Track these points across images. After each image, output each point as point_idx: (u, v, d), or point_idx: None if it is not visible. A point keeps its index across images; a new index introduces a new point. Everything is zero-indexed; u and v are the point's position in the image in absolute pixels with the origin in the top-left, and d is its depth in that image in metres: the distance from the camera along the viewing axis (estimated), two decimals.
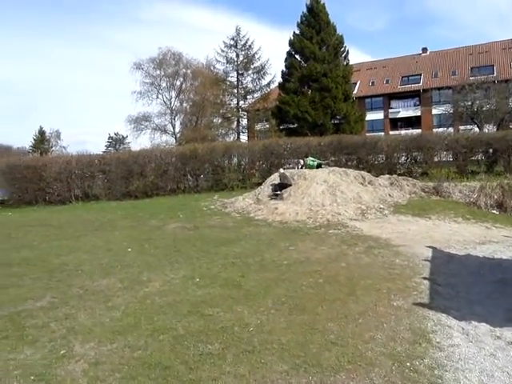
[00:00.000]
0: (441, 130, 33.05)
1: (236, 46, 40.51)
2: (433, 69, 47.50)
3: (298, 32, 32.99)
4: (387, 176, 17.16)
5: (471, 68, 44.61)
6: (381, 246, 9.31)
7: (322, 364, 4.09)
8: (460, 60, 47.03)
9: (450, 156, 20.96)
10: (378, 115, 47.22)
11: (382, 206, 13.72)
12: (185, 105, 41.31)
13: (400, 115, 47.85)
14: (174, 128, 40.34)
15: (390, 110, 48.17)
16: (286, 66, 33.54)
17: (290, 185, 15.25)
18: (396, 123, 47.50)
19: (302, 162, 18.55)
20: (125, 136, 69.64)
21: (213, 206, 15.60)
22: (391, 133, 42.91)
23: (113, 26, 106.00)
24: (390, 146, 20.46)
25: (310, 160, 17.32)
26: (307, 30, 32.22)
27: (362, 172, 16.55)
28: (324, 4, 32.68)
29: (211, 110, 40.97)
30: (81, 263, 8.41)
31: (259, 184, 19.97)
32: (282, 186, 15.38)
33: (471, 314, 5.47)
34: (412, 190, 16.22)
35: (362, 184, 15.64)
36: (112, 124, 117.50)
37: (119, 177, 19.90)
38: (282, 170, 16.06)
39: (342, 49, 33.05)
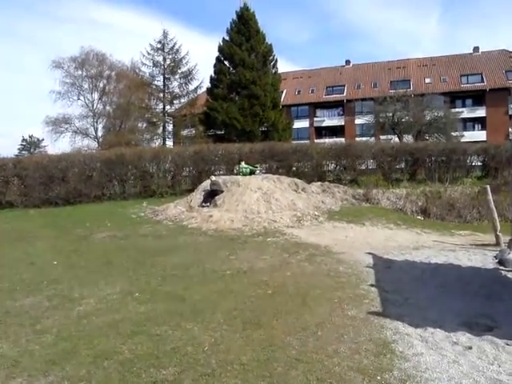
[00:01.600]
0: (364, 139, 34.47)
1: (163, 50, 39.53)
2: (355, 80, 49.67)
3: (227, 38, 32.96)
4: (319, 183, 17.40)
5: (390, 82, 47.28)
6: (322, 254, 9.24)
7: None
8: (380, 73, 49.65)
9: (377, 164, 21.78)
10: (304, 123, 48.39)
11: (316, 213, 13.80)
12: (108, 108, 39.30)
13: (325, 124, 49.45)
14: (96, 132, 38.20)
15: (315, 119, 49.61)
16: (214, 72, 33.32)
17: (222, 191, 14.93)
18: (321, 132, 49.04)
19: (237, 167, 18.35)
20: (41, 139, 65.42)
21: (143, 214, 14.84)
22: (316, 141, 44.05)
23: (28, 22, 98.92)
24: (319, 154, 20.82)
25: (243, 167, 17.09)
26: (237, 37, 32.26)
27: (295, 179, 16.64)
28: (254, 12, 33.03)
29: (136, 115, 39.47)
30: None
31: (189, 191, 19.46)
32: (214, 193, 15.00)
33: (424, 320, 5.44)
34: (343, 196, 16.56)
35: (295, 191, 15.69)
36: (26, 126, 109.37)
37: (38, 182, 18.30)
38: (213, 178, 15.67)
39: (271, 57, 33.50)
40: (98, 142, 37.74)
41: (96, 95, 38.86)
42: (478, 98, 46.28)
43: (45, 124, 37.23)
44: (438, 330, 5.11)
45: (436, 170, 21.99)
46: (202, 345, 4.57)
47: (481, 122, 46.18)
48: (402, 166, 22.23)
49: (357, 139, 38.32)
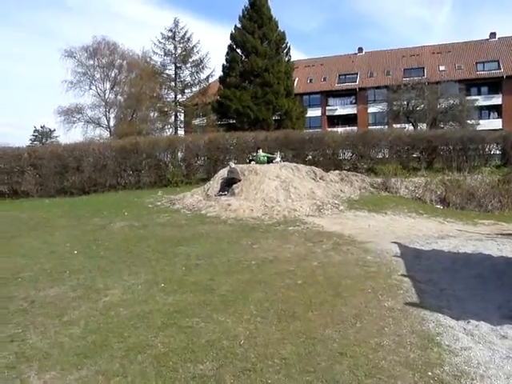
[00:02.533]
0: (378, 127, 33.92)
1: (174, 38, 39.21)
2: (368, 68, 48.93)
3: (239, 26, 32.45)
4: (337, 172, 17.08)
5: (404, 69, 46.50)
6: (347, 243, 8.98)
7: (338, 380, 3.54)
8: (393, 61, 48.83)
9: (394, 152, 21.35)
10: (316, 112, 47.84)
11: (336, 202, 13.52)
12: (119, 97, 39.23)
13: (337, 113, 48.88)
14: (108, 121, 38.10)
15: (328, 108, 49.04)
16: (226, 60, 32.90)
17: (240, 180, 14.69)
18: (333, 120, 48.46)
19: (250, 156, 18.05)
20: (52, 129, 65.55)
21: (159, 203, 14.64)
22: (328, 130, 43.56)
23: (38, 11, 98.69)
24: (336, 142, 20.47)
25: (260, 155, 16.80)
26: (249, 25, 31.78)
27: (313, 167, 16.32)
28: None
29: (147, 104, 39.32)
30: (19, 270, 7.23)
31: (204, 180, 19.29)
32: (231, 181, 14.77)
33: (465, 312, 5.20)
34: (361, 185, 16.23)
35: (313, 179, 15.40)
36: (37, 117, 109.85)
37: (53, 172, 18.25)
38: (232, 165, 15.41)
39: (284, 45, 32.97)
40: (110, 132, 37.67)
41: (108, 85, 38.81)
42: (494, 85, 45.36)
43: (57, 114, 37.31)
44: (482, 322, 4.85)
45: (454, 158, 21.55)
46: (238, 338, 4.36)
47: (497, 110, 45.30)
48: (419, 154, 21.78)
49: (370, 128, 37.80)
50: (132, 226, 11.04)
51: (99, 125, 38.11)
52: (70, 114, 36.70)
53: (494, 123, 42.11)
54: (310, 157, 20.47)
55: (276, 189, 13.77)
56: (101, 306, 5.40)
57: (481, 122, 39.33)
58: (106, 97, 38.35)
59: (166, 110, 40.84)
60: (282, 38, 32.75)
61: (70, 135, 71.72)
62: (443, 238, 10.11)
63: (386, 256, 7.99)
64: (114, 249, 8.65)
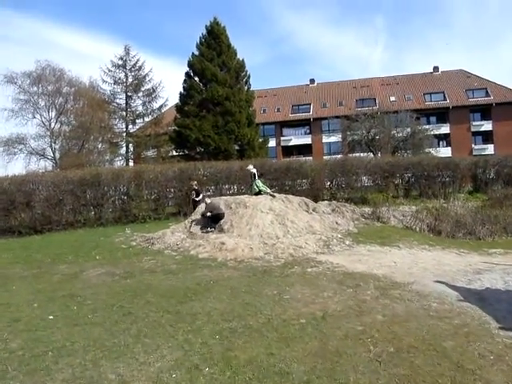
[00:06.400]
0: (334, 157, 33.34)
1: (125, 67, 37.18)
2: (321, 99, 49.13)
3: (197, 53, 31.15)
4: (326, 202, 15.72)
5: (356, 100, 47.02)
6: (390, 286, 7.43)
7: None
8: (345, 92, 49.46)
9: (372, 180, 20.45)
10: (271, 143, 46.83)
11: (340, 236, 12.03)
12: (65, 127, 36.17)
13: (292, 143, 48.41)
14: (54, 153, 34.68)
15: (282, 138, 48.52)
16: (184, 88, 31.41)
17: (223, 214, 12.90)
18: (288, 151, 47.80)
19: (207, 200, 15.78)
20: None
21: (134, 243, 12.46)
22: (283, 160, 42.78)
23: None
24: (314, 171, 19.22)
25: (260, 183, 14.72)
26: (207, 52, 30.61)
27: (304, 198, 14.78)
28: (224, 27, 31.55)
29: (96, 135, 36.67)
30: None
31: (175, 214, 17.41)
32: (218, 216, 12.92)
33: None
34: (353, 216, 14.92)
35: (306, 211, 13.88)
36: None
37: None
38: (208, 200, 13.53)
39: (244, 73, 31.96)
40: (55, 164, 34.42)
41: (53, 113, 35.68)
42: (441, 115, 46.93)
43: None
44: None
45: (430, 185, 21.08)
46: None
47: (445, 139, 46.69)
48: (398, 181, 21.05)
49: (324, 158, 37.29)
50: (113, 275, 8.84)
51: (44, 156, 34.73)
52: (11, 144, 33.18)
53: (444, 151, 43.14)
54: (288, 186, 19.03)
55: (272, 223, 12.10)
56: None
57: (431, 150, 39.99)
58: (52, 126, 35.20)
59: (115, 140, 38.33)
60: (241, 65, 31.79)
61: (9, 168, 65.94)
62: (479, 272, 8.89)
63: (450, 301, 6.58)
64: (103, 309, 6.49)
